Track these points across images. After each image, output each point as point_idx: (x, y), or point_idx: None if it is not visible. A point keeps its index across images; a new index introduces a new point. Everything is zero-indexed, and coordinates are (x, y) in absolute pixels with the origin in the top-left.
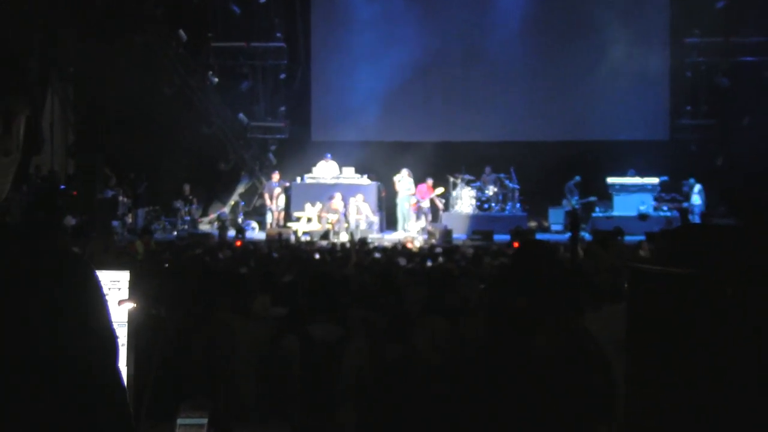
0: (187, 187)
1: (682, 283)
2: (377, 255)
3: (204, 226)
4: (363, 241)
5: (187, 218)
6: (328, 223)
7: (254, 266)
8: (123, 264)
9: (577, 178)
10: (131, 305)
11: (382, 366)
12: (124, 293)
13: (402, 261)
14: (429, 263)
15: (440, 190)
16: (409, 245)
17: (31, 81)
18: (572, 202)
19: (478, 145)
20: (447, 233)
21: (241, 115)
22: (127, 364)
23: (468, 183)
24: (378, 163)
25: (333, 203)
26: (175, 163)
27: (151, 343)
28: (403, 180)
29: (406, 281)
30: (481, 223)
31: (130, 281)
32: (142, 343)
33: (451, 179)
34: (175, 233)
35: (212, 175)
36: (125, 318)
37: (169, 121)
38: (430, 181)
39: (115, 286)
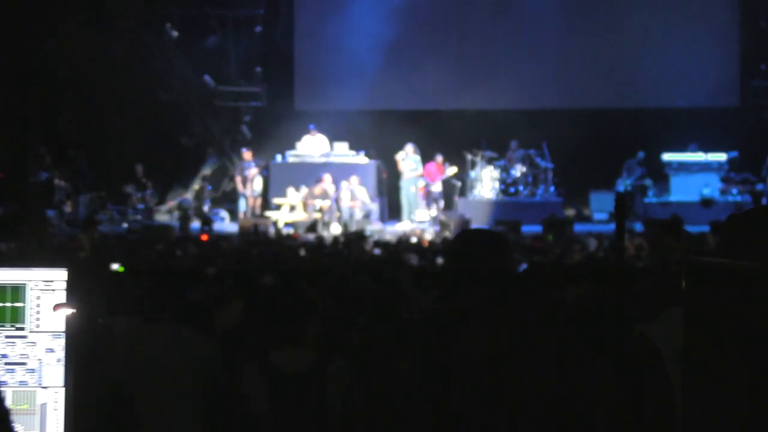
0: (139, 168)
1: (752, 280)
2: (377, 251)
3: (161, 216)
4: (359, 235)
5: (141, 206)
6: (315, 211)
7: (224, 266)
8: (59, 261)
9: (641, 154)
10: (69, 311)
11: (385, 391)
12: (61, 296)
13: (413, 258)
14: (441, 261)
15: (453, 170)
16: (416, 239)
17: None
18: (627, 182)
19: (502, 113)
20: (464, 224)
21: (207, 78)
22: (65, 385)
23: (490, 161)
24: (377, 138)
25: (321, 187)
26: (124, 139)
27: (95, 358)
28: (408, 158)
29: (411, 283)
30: (507, 211)
31: (68, 281)
32: (84, 359)
33: (469, 156)
34: (126, 225)
35: (171, 152)
36: (62, 327)
37: (117, 85)
38: (440, 159)
39: (48, 287)
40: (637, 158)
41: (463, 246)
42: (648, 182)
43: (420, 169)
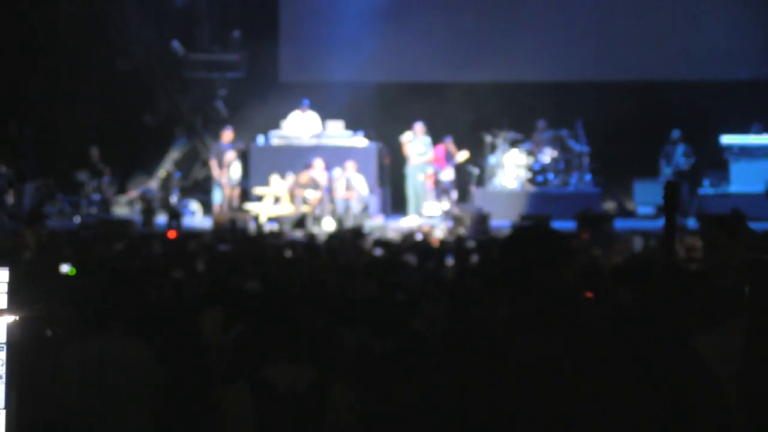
0: (95, 151)
1: None
2: (378, 251)
3: (121, 209)
4: (357, 231)
5: (96, 197)
6: (304, 204)
7: (194, 268)
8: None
9: (675, 133)
10: (11, 319)
11: (386, 416)
12: (0, 302)
13: (412, 260)
14: (451, 262)
15: (464, 154)
16: (423, 236)
17: None
18: (666, 171)
19: (528, 87)
20: (482, 219)
21: (176, 44)
22: (6, 407)
23: (513, 144)
24: (378, 116)
25: (311, 175)
26: (77, 115)
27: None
28: (416, 140)
29: (417, 290)
30: (534, 203)
31: (9, 284)
32: (27, 375)
33: (488, 138)
34: (79, 219)
35: (132, 132)
36: (2, 338)
37: (67, 51)
38: (450, 141)
39: None
40: (671, 139)
41: (519, 247)
42: (688, 163)
43: (430, 154)
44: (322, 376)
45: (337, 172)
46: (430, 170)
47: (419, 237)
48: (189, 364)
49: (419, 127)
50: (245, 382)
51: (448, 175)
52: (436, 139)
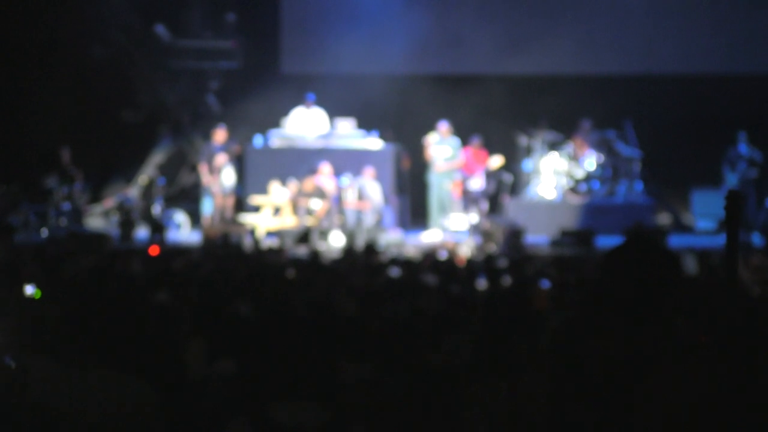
0: (66, 153)
1: None
2: (394, 271)
3: (95, 221)
4: (371, 248)
5: (67, 206)
6: (309, 215)
7: (181, 290)
8: None
9: (741, 135)
10: None
11: None
12: None
13: (432, 280)
14: (482, 283)
15: (498, 160)
16: (447, 253)
17: None
18: (729, 179)
19: (569, 80)
20: (515, 234)
21: (161, 28)
22: None
23: (552, 147)
24: (396, 113)
25: (318, 181)
26: (45, 111)
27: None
28: (444, 142)
29: (439, 317)
30: (576, 216)
31: None
32: None
33: (523, 140)
34: (46, 232)
35: (109, 131)
36: None
37: (34, 36)
38: (478, 143)
39: None
40: (736, 142)
41: (627, 267)
42: (754, 170)
43: (457, 158)
44: (333, 416)
45: (347, 178)
46: (458, 177)
47: (443, 255)
48: (174, 403)
49: (444, 126)
50: (246, 422)
51: (477, 182)
52: (463, 141)
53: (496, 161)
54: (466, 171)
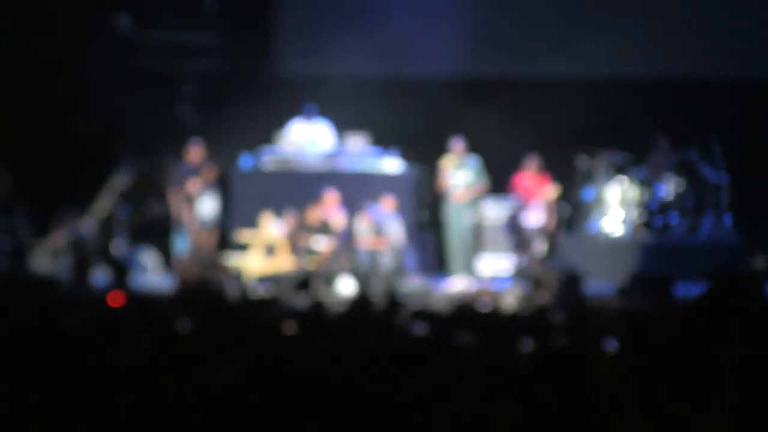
0: (5, 176)
1: None
2: (419, 328)
3: (42, 261)
4: (392, 300)
5: (5, 243)
6: (310, 255)
7: (147, 349)
8: None
9: None
10: None
11: None
12: None
13: (467, 340)
14: (527, 343)
15: (554, 190)
16: (489, 305)
17: None
18: None
19: (641, 86)
20: (572, 280)
21: (122, 18)
22: None
23: (619, 170)
24: (421, 125)
25: (322, 212)
26: None
27: None
28: (461, 167)
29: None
30: (650, 258)
31: None
32: None
33: (583, 161)
34: None
35: (57, 149)
36: None
37: None
38: (535, 165)
39: None
40: None
41: (711, 324)
42: None
43: (480, 182)
44: None
45: (359, 210)
46: (511, 208)
47: (484, 306)
48: None
49: (460, 145)
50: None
51: (534, 216)
52: (508, 161)
53: (552, 192)
54: (523, 198)
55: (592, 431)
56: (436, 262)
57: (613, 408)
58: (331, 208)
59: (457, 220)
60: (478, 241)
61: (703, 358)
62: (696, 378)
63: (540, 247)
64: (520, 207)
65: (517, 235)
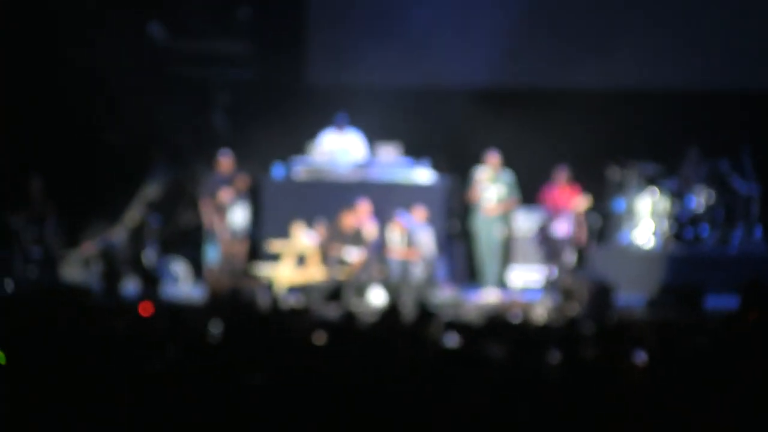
0: (36, 184)
1: None
2: (451, 340)
3: (72, 270)
4: (423, 311)
5: (37, 252)
6: (342, 265)
7: (179, 357)
8: None
9: None
10: None
11: None
12: None
13: (498, 352)
14: (555, 355)
15: (584, 201)
16: (518, 315)
17: None
18: None
19: (671, 96)
20: (603, 292)
21: (155, 26)
22: None
23: (650, 181)
24: (454, 136)
25: (354, 223)
26: (10, 132)
27: None
28: (500, 181)
29: (510, 401)
30: (681, 269)
31: None
32: None
33: (614, 173)
34: (11, 285)
35: (89, 157)
36: None
37: None
38: (564, 176)
39: None
40: None
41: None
42: None
43: (513, 197)
44: None
45: (391, 220)
46: (541, 220)
47: (515, 317)
48: None
49: (495, 158)
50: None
51: (563, 227)
52: (538, 172)
53: (583, 204)
54: (552, 209)
55: None
56: (467, 273)
57: (641, 419)
58: (364, 218)
59: (486, 232)
60: (508, 253)
61: (731, 372)
62: (723, 390)
63: (570, 258)
64: (550, 218)
65: (546, 246)
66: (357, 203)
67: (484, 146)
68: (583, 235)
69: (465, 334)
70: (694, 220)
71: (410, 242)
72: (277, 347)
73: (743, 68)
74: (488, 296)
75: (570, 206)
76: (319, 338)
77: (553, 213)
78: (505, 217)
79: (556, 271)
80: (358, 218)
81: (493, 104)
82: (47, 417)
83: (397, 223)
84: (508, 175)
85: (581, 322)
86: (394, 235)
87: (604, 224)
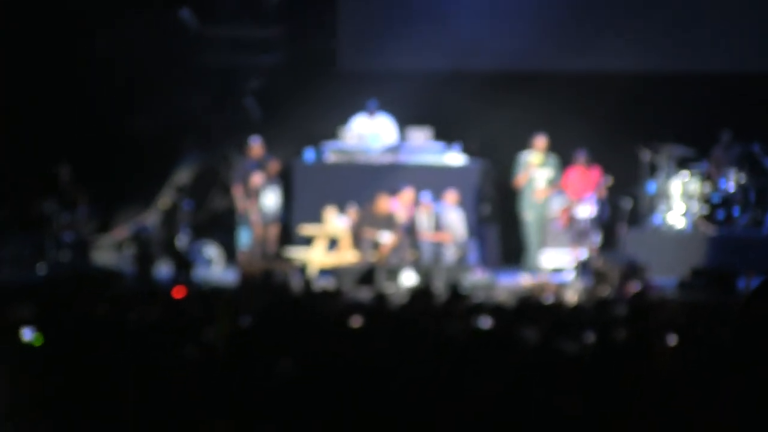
0: (65, 171)
1: None
2: (484, 322)
3: (105, 255)
4: (452, 292)
5: (69, 237)
6: (374, 249)
7: (210, 343)
8: None
9: None
10: None
11: None
12: None
13: (531, 335)
14: (590, 336)
15: (608, 181)
16: (553, 297)
17: None
18: None
19: (703, 79)
20: (634, 272)
21: (186, 12)
22: None
23: (681, 164)
24: (485, 120)
25: (385, 206)
26: (40, 119)
27: None
28: (549, 165)
29: (543, 383)
30: (713, 252)
31: None
32: None
33: (646, 155)
34: (44, 268)
35: (120, 143)
36: None
37: (23, 27)
38: (583, 159)
39: None
40: None
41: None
42: None
43: (559, 180)
44: None
45: (422, 203)
46: (562, 203)
47: (547, 299)
48: None
49: (542, 141)
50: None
51: (586, 210)
52: (566, 156)
53: (606, 182)
54: (573, 194)
55: (653, 424)
56: (499, 256)
57: (673, 401)
58: (395, 202)
59: (535, 216)
60: (553, 234)
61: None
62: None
63: (594, 239)
64: (572, 201)
65: (572, 229)
66: (401, 190)
67: (515, 129)
68: (605, 216)
69: (497, 315)
70: (726, 201)
71: (439, 225)
72: (309, 329)
73: None
74: (521, 278)
75: (591, 188)
76: (354, 321)
77: (575, 196)
78: (556, 200)
79: (586, 253)
80: (403, 205)
81: (525, 87)
82: (81, 400)
83: (424, 206)
84: (554, 159)
85: (613, 303)
86: (422, 218)
87: (635, 206)
